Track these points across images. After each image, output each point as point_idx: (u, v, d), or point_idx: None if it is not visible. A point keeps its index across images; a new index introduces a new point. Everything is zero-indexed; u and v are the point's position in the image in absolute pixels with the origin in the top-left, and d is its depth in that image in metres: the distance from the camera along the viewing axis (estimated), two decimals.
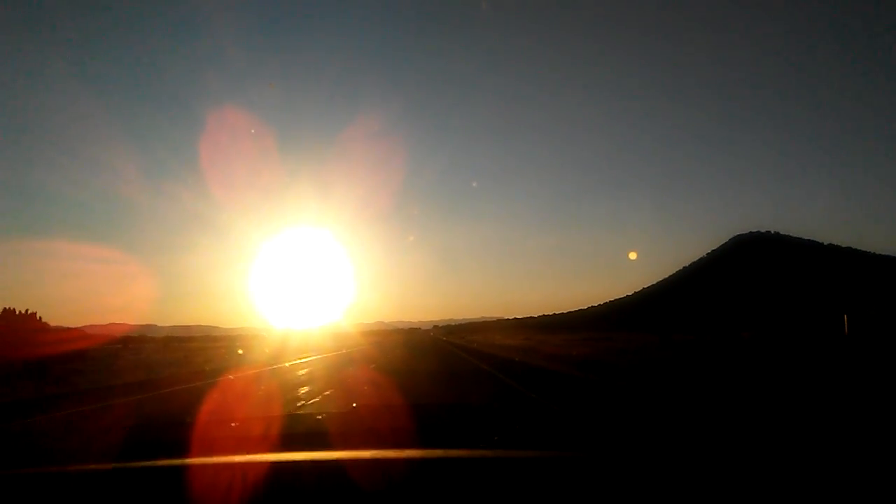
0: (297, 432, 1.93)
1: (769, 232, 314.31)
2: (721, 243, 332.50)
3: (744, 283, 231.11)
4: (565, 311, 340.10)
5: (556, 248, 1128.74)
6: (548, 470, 1.35)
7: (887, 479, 1.24)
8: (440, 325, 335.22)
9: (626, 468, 1.39)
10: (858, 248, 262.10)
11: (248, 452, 1.53)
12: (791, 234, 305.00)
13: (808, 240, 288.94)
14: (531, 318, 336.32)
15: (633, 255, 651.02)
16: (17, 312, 21.36)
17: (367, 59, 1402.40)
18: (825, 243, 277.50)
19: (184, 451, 1.63)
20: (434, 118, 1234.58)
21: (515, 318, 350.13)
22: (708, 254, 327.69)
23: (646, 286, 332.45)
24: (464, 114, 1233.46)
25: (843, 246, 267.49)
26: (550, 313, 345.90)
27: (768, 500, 1.18)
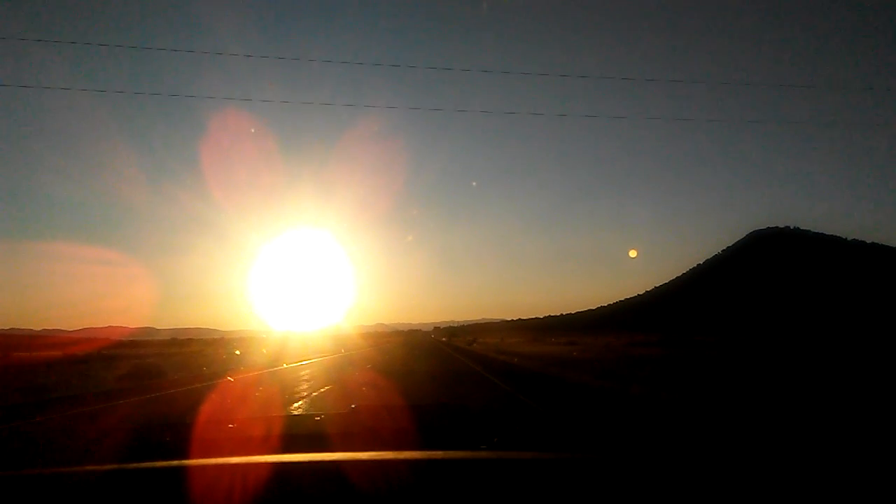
0: (296, 433, 1.96)
1: (788, 227, 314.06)
2: (737, 239, 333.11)
3: (762, 280, 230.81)
4: (573, 312, 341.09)
5: (559, 249, 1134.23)
6: (548, 471, 1.39)
7: (885, 481, 1.29)
8: (441, 326, 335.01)
9: (626, 470, 1.42)
10: (884, 243, 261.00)
11: (247, 454, 1.57)
12: (811, 230, 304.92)
13: (830, 235, 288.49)
14: (536, 318, 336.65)
15: (633, 254, 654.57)
16: None
17: (368, 61, 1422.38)
18: (848, 239, 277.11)
19: (182, 452, 1.66)
20: (434, 119, 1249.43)
21: (519, 319, 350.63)
22: (723, 250, 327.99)
23: (658, 284, 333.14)
24: (464, 114, 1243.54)
25: (868, 242, 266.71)
26: (558, 314, 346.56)
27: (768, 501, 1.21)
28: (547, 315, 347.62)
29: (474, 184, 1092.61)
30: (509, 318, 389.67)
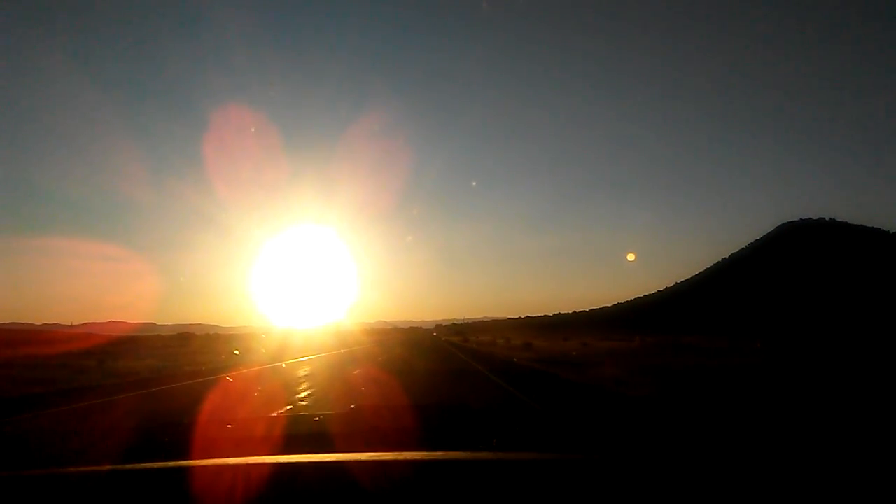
0: (294, 434, 2.02)
1: (822, 219, 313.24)
2: (765, 232, 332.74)
3: (793, 276, 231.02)
4: (587, 309, 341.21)
5: (565, 245, 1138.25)
6: (548, 472, 1.46)
7: (886, 482, 1.36)
8: (443, 323, 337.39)
9: (626, 470, 1.49)
10: None
11: (245, 454, 1.63)
12: (849, 221, 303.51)
13: (870, 227, 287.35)
14: (546, 316, 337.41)
15: (631, 257, 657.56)
16: None
17: (369, 60, 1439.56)
18: (891, 231, 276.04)
19: (181, 452, 1.73)
20: (437, 117, 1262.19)
21: (527, 317, 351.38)
22: (750, 244, 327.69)
23: (679, 280, 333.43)
24: (467, 113, 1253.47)
25: None
26: (570, 311, 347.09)
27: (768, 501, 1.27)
28: (557, 313, 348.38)
29: (474, 184, 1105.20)
30: (514, 317, 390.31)
